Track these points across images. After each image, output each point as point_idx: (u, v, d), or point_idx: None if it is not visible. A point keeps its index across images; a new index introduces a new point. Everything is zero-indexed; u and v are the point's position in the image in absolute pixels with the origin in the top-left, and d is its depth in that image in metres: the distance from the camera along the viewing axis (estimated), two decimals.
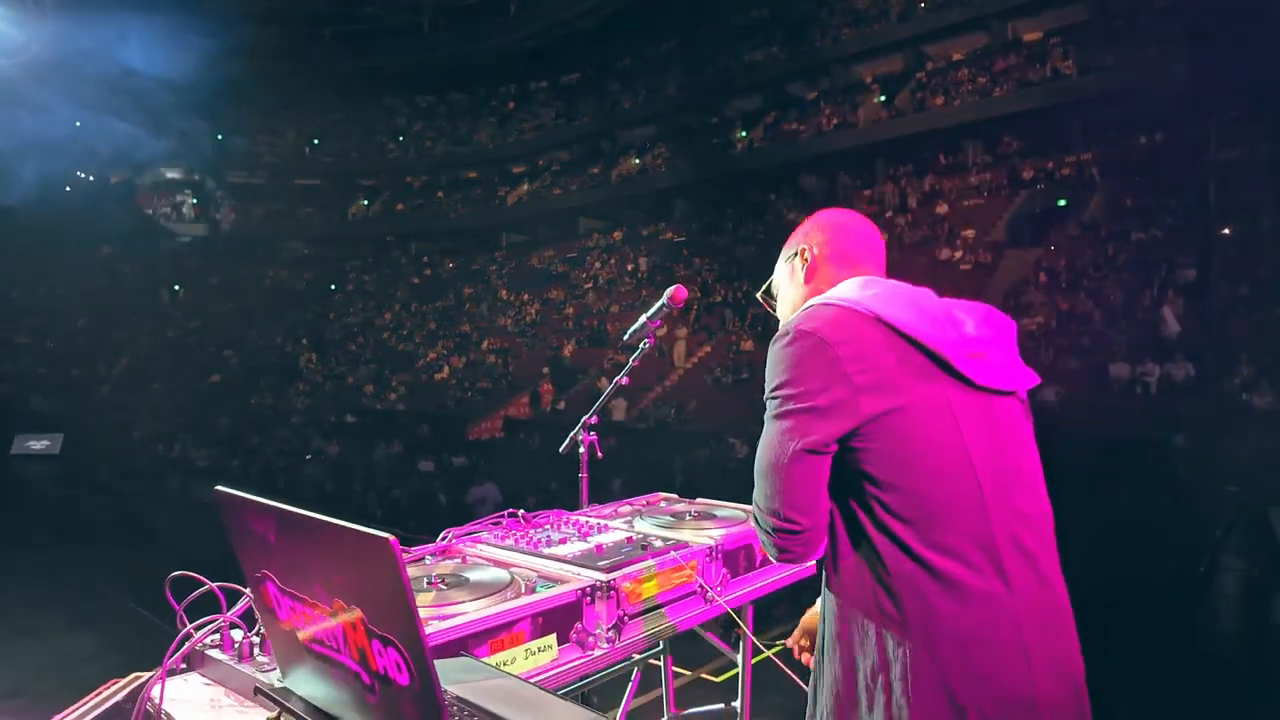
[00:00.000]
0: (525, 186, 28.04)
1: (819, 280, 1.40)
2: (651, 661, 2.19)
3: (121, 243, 26.94)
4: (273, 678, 1.23)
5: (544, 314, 22.40)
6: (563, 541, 1.78)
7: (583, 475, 2.19)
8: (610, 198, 25.20)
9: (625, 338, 2.09)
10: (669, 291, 1.98)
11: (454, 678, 0.96)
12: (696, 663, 2.89)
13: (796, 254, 1.45)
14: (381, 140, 30.85)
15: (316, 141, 30.83)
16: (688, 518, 2.04)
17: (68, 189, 25.33)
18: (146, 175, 27.54)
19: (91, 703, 3.54)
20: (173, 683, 1.37)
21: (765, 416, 1.19)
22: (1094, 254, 13.59)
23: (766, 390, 1.20)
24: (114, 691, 3.55)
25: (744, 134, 23.15)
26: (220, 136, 29.05)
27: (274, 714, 0.99)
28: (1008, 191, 16.83)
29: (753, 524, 1.23)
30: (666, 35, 26.23)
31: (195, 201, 29.17)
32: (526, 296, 23.88)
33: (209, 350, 24.56)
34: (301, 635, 0.80)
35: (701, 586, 1.72)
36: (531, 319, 22.45)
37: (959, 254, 15.53)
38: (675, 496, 2.37)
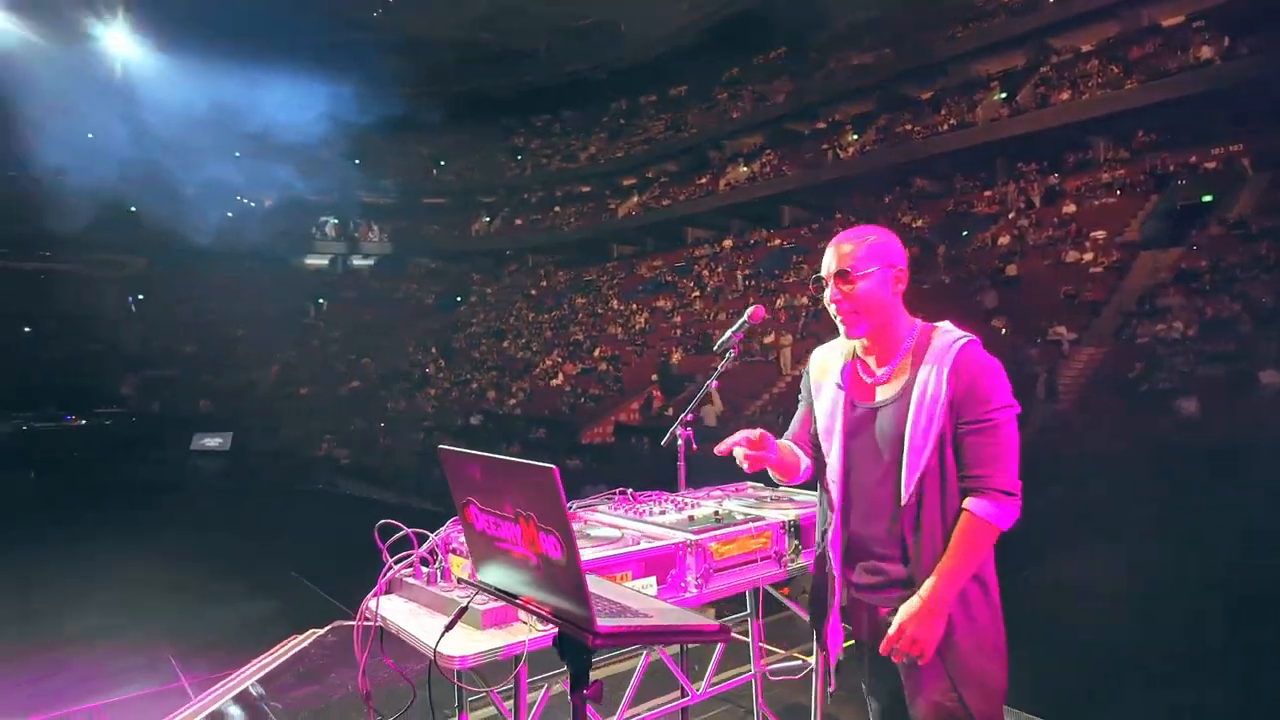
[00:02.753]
0: (635, 198, 28.90)
1: (898, 297, 1.71)
2: (738, 637, 2.54)
3: (274, 262, 30.01)
4: (454, 595, 1.73)
5: (653, 322, 23.01)
6: (662, 513, 2.20)
7: (680, 464, 2.60)
8: (718, 206, 25.61)
9: (715, 348, 2.49)
10: (748, 311, 2.36)
11: (592, 585, 1.41)
12: (790, 645, 3.22)
13: (894, 267, 1.69)
14: (501, 159, 32.66)
15: (442, 163, 33.03)
16: (769, 501, 2.42)
17: (229, 214, 28.55)
18: (295, 200, 30.43)
19: (286, 647, 4.34)
20: (392, 601, 1.90)
21: (996, 418, 1.58)
22: (1242, 254, 12.64)
23: (994, 400, 1.58)
24: (304, 639, 4.33)
25: (855, 137, 22.95)
26: (357, 161, 31.71)
27: (464, 602, 1.47)
28: (1143, 189, 15.84)
29: (990, 502, 1.56)
30: (773, 43, 26.39)
31: (336, 222, 31.91)
32: (636, 305, 24.59)
33: (349, 359, 26.84)
34: (493, 538, 1.25)
35: (777, 553, 2.10)
36: (641, 327, 23.11)
37: (1088, 256, 14.79)
38: (761, 485, 2.74)
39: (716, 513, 2.15)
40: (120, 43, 21.81)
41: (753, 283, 21.48)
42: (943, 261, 17.05)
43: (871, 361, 1.75)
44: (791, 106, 24.87)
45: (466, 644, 1.57)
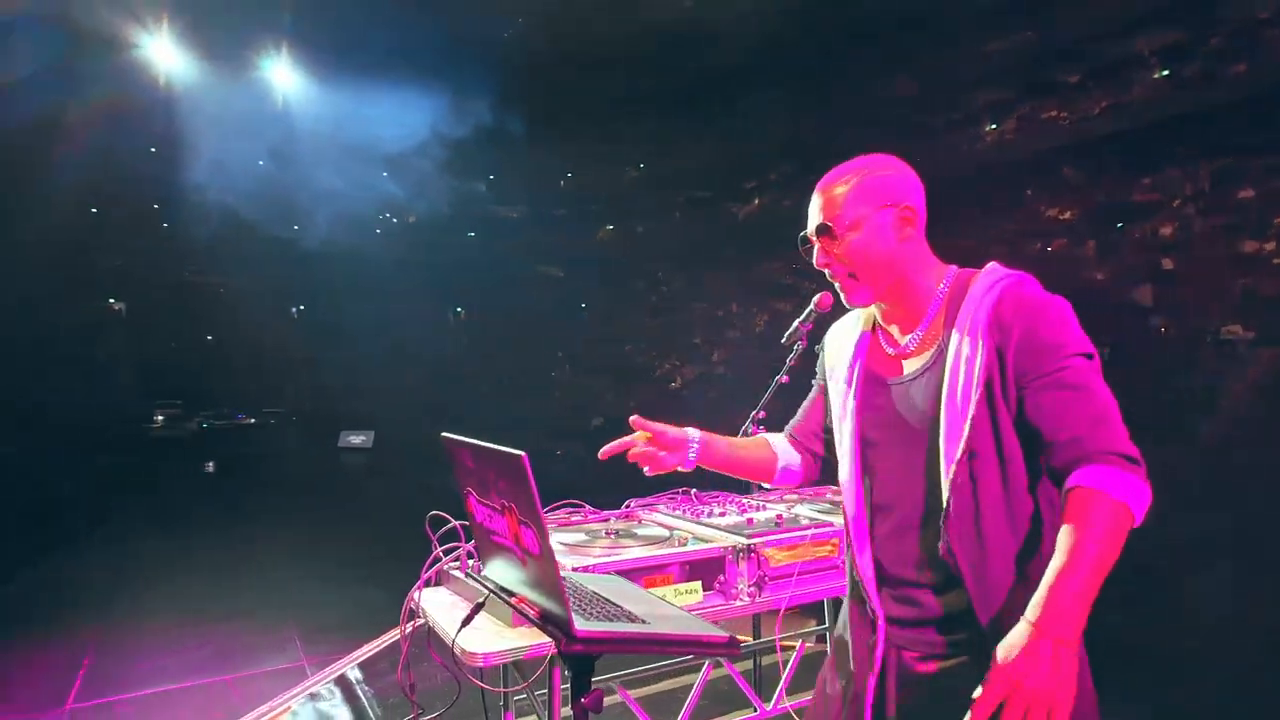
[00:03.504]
0: (756, 201, 28.44)
1: (910, 247, 1.35)
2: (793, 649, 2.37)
3: (418, 269, 32.06)
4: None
5: (772, 325, 22.53)
6: (723, 514, 2.08)
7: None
8: None
9: (784, 340, 2.33)
10: (815, 299, 2.18)
11: (598, 582, 1.32)
12: None
13: (895, 205, 1.34)
14: (622, 167, 33.18)
15: (570, 175, 34.01)
16: None
17: (377, 231, 30.95)
18: (436, 216, 32.42)
19: (387, 636, 4.58)
20: (429, 591, 1.90)
21: (1074, 365, 1.16)
22: None
23: (1066, 343, 1.18)
24: (405, 628, 4.47)
25: (993, 126, 21.42)
26: (492, 177, 33.36)
27: (482, 598, 1.42)
28: None
29: (1109, 469, 1.09)
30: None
31: (472, 234, 33.59)
32: (755, 308, 24.17)
33: (485, 362, 28.19)
34: (489, 531, 1.20)
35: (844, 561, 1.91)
36: (760, 330, 22.69)
37: (1271, 245, 12.97)
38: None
39: (780, 516, 2.00)
40: (283, 75, 24.05)
41: None
42: (1094, 256, 15.56)
43: (895, 330, 1.37)
44: (920, 97, 23.59)
45: (494, 641, 1.53)
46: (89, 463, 16.80)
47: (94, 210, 27.34)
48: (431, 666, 1.80)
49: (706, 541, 1.81)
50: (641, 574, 1.64)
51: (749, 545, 1.78)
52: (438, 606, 1.81)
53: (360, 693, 3.74)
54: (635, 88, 30.84)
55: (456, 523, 1.87)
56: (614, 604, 1.15)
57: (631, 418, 1.51)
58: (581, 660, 1.08)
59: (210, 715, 3.99)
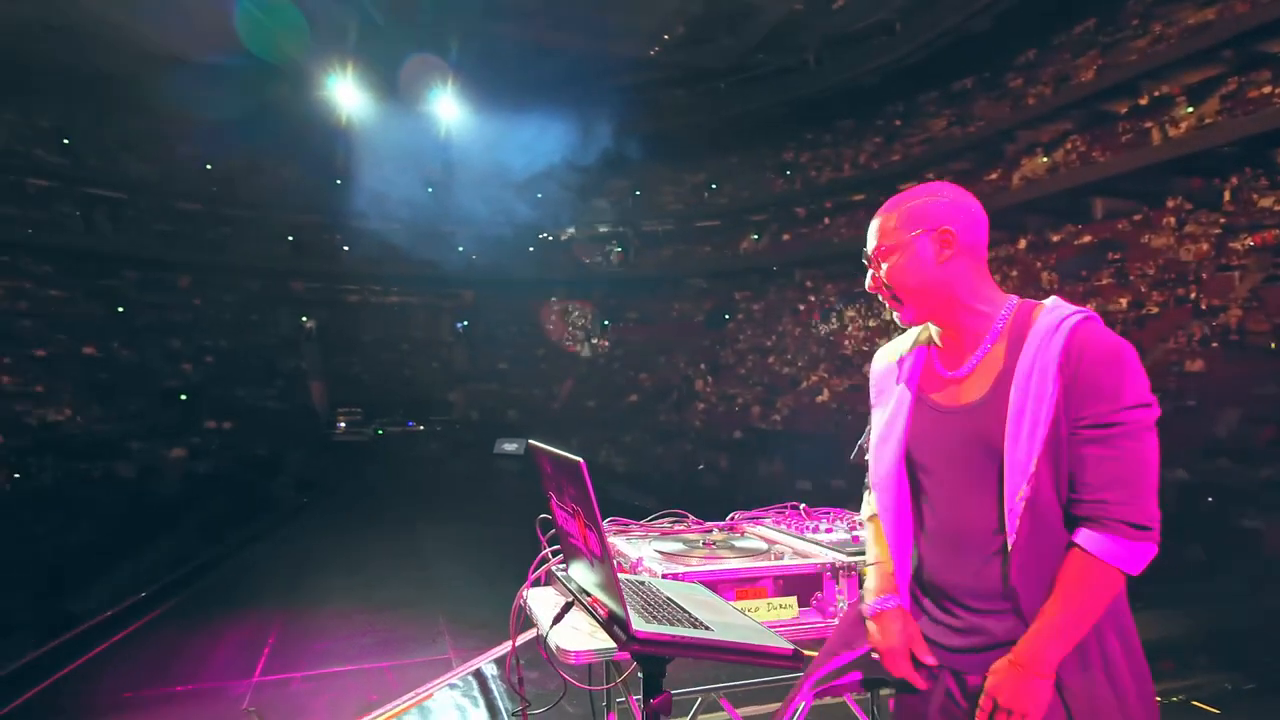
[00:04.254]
0: None
1: (953, 270, 1.33)
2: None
3: (568, 286, 33.51)
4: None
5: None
6: (829, 531, 2.01)
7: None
8: (1012, 203, 23.00)
9: None
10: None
11: (678, 589, 1.34)
12: None
13: (931, 230, 1.34)
14: (770, 176, 32.87)
15: (714, 186, 34.19)
16: None
17: (530, 249, 32.74)
18: (584, 231, 33.73)
19: (528, 635, 4.72)
20: (538, 590, 1.99)
21: (1126, 420, 1.16)
22: None
23: (1123, 395, 1.16)
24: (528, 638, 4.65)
25: (1189, 110, 19.11)
26: (638, 193, 34.25)
27: (570, 598, 1.48)
28: None
29: (1113, 539, 1.16)
30: (1078, 16, 23.13)
31: (620, 249, 34.59)
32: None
33: (628, 374, 28.85)
34: (568, 533, 1.25)
35: None
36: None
37: None
38: None
39: None
40: (448, 107, 26.13)
41: (1056, 285, 18.90)
42: None
43: (950, 355, 1.36)
44: (1104, 83, 21.52)
45: (587, 641, 1.58)
46: (287, 461, 18.96)
47: (290, 238, 31.09)
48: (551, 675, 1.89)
49: (805, 557, 1.77)
50: (734, 586, 1.63)
51: (849, 563, 1.72)
52: (542, 605, 1.89)
53: (493, 686, 3.98)
54: (781, 96, 30.50)
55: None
56: (684, 610, 1.16)
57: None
58: (652, 661, 1.11)
59: (368, 697, 4.39)
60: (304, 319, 29.39)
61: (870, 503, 1.52)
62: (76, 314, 23.43)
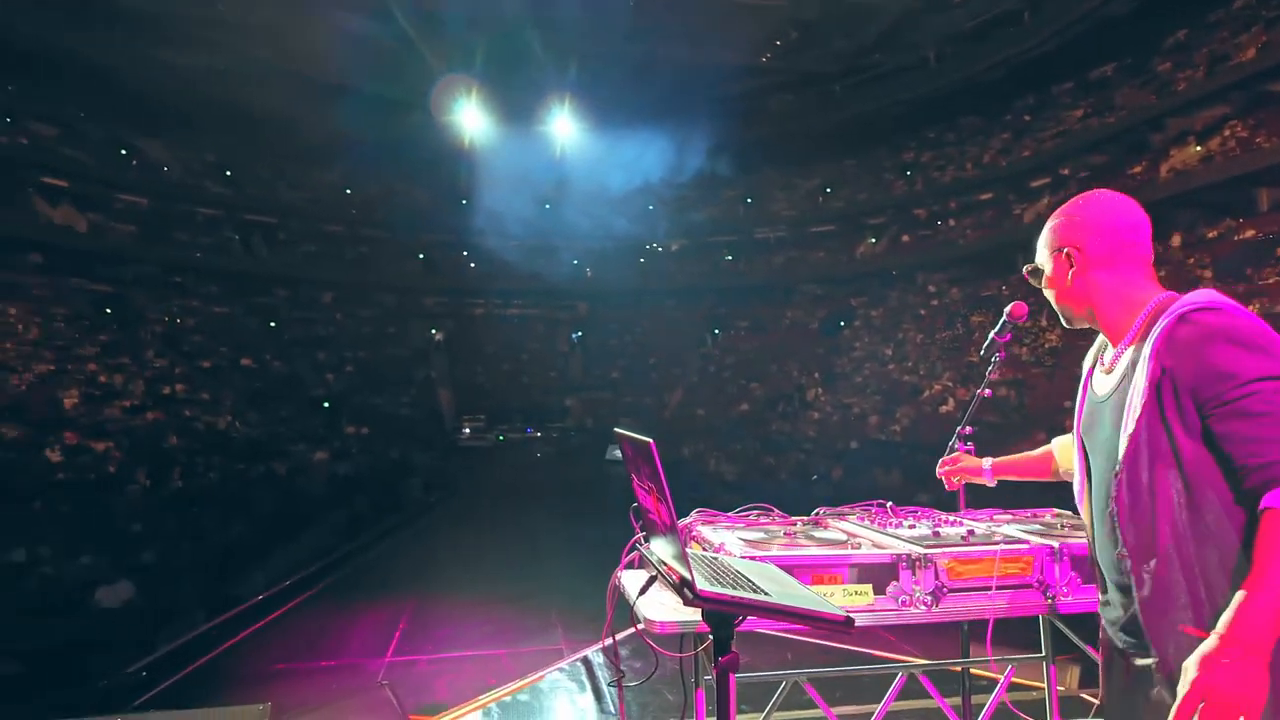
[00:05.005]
0: (1045, 200, 25.52)
1: (1087, 283, 1.46)
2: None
3: (678, 295, 33.78)
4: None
5: (1068, 340, 19.93)
6: (911, 528, 2.05)
7: (960, 483, 2.35)
8: (1160, 198, 21.16)
9: (982, 352, 2.23)
10: (1008, 309, 2.06)
11: (748, 566, 1.46)
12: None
13: (1061, 252, 1.49)
14: (889, 178, 31.85)
15: (829, 190, 33.50)
16: (1060, 527, 2.06)
17: (641, 260, 33.28)
18: (694, 239, 33.90)
19: (630, 629, 4.87)
20: (630, 572, 2.16)
21: (1257, 394, 1.15)
22: None
23: (1243, 369, 1.16)
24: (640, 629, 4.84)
25: None
26: (749, 200, 34.10)
27: (654, 572, 1.63)
28: None
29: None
30: None
31: (730, 258, 34.53)
32: (1046, 322, 21.59)
33: (739, 383, 28.72)
34: (647, 510, 1.40)
35: (1040, 582, 1.79)
36: (1052, 346, 20.22)
37: None
38: (1069, 514, 2.32)
39: (970, 532, 1.92)
40: (562, 125, 27.14)
41: (1215, 285, 17.22)
42: None
43: (1109, 353, 1.48)
44: (1269, 61, 19.45)
45: (672, 613, 1.72)
46: (417, 464, 20.26)
47: (421, 256, 33.22)
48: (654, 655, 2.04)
49: (883, 549, 1.83)
50: (809, 570, 1.72)
51: (924, 554, 1.76)
52: (635, 585, 2.04)
53: (599, 673, 4.19)
54: (899, 95, 29.55)
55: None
56: (748, 579, 1.28)
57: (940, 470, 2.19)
58: (719, 622, 1.24)
59: (486, 680, 4.71)
60: (433, 331, 31.26)
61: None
62: (236, 329, 26.06)
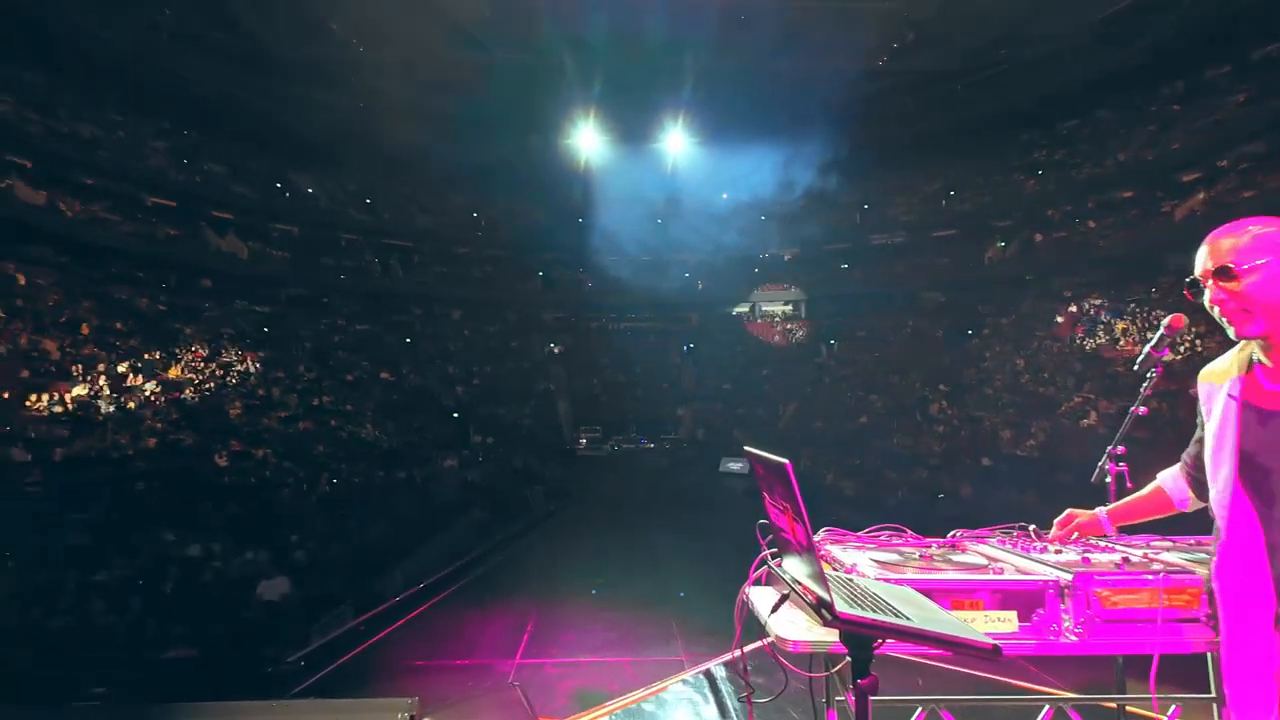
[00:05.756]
0: (1201, 195, 23.23)
1: None
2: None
3: (792, 305, 33.27)
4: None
5: (1227, 348, 18.03)
6: (1058, 553, 1.96)
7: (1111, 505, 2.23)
8: None
9: (1135, 367, 2.10)
10: (1165, 320, 1.94)
11: (885, 588, 1.46)
12: None
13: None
14: (1019, 177, 30.05)
15: (952, 193, 32.00)
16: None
17: (755, 270, 33.03)
18: (808, 250, 33.27)
19: (757, 643, 4.90)
20: (758, 589, 2.18)
21: None
22: None
23: None
24: (769, 638, 4.88)
25: None
26: (866, 206, 33.10)
27: (786, 590, 1.65)
28: None
29: None
30: None
31: (845, 266, 33.64)
32: (1204, 327, 19.61)
33: (858, 395, 27.82)
34: (780, 529, 1.43)
35: (1210, 616, 1.67)
36: (1210, 354, 18.33)
37: None
38: None
39: (1125, 559, 1.81)
40: (675, 141, 27.46)
41: None
42: None
43: (1275, 365, 1.50)
44: None
45: (804, 632, 1.74)
46: (538, 472, 20.99)
47: (540, 273, 34.47)
48: (782, 672, 2.07)
49: (1027, 574, 1.76)
50: (948, 595, 1.68)
51: (1073, 581, 1.68)
52: (763, 601, 2.07)
53: (722, 687, 4.20)
54: (1027, 92, 27.88)
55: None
56: (887, 602, 1.28)
57: (1055, 534, 2.12)
58: (857, 644, 1.25)
59: (608, 686, 4.83)
60: (551, 345, 32.34)
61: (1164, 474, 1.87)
62: (376, 344, 28.05)
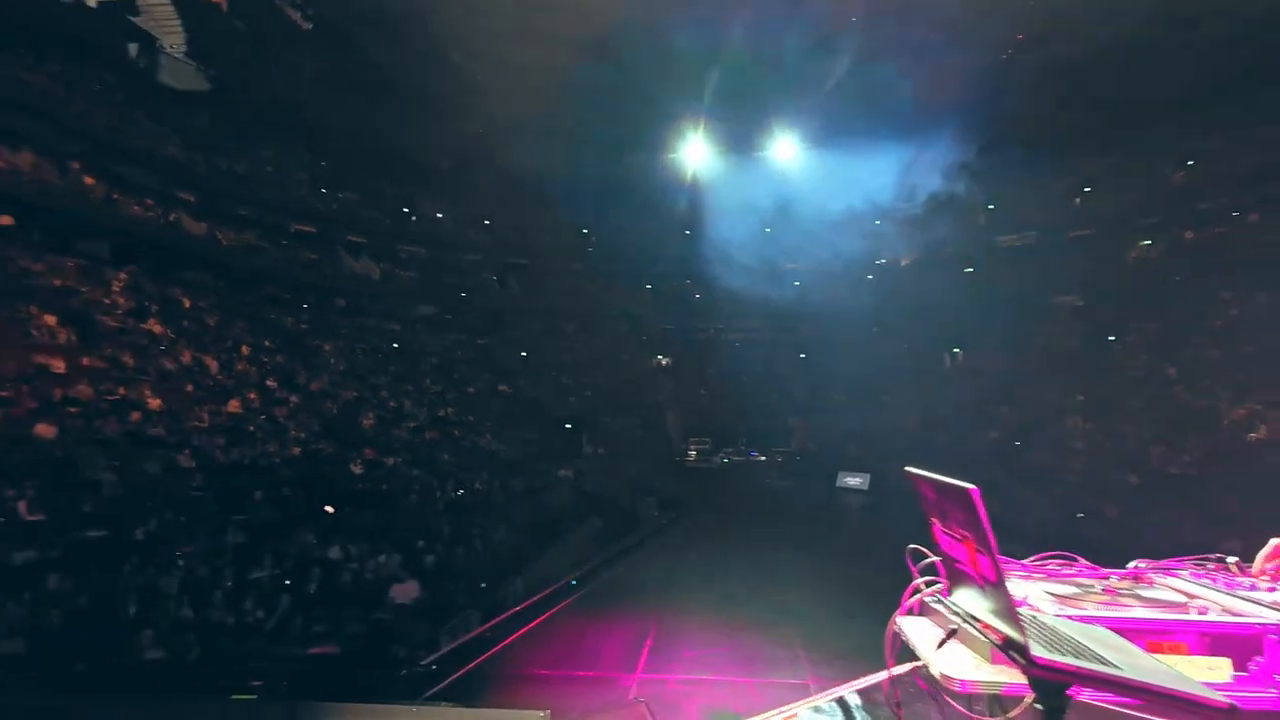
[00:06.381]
0: None
1: None
2: None
3: (909, 314, 31.91)
4: (970, 626, 1.76)
5: None
6: (1270, 590, 1.71)
7: None
8: None
9: None
10: None
11: (1076, 628, 1.30)
12: None
13: None
14: (1166, 170, 27.57)
15: (1088, 189, 29.80)
16: None
17: (870, 277, 31.91)
18: (928, 254, 31.81)
19: (890, 671, 4.66)
20: (911, 620, 2.04)
21: None
22: None
23: None
24: (905, 667, 4.63)
25: None
26: (991, 206, 31.32)
27: (955, 625, 1.52)
28: None
29: None
30: None
31: (970, 270, 31.94)
32: None
33: (984, 408, 26.23)
34: (953, 559, 1.31)
35: None
36: None
37: None
38: None
39: None
40: (785, 149, 27.03)
41: None
42: None
43: None
44: None
45: (973, 671, 1.60)
46: (649, 482, 21.06)
47: (649, 286, 34.74)
48: (927, 705, 1.93)
49: (1239, 616, 1.54)
50: (1143, 636, 1.50)
51: None
52: (919, 634, 1.93)
53: (857, 715, 3.98)
54: (1176, 76, 25.55)
55: (936, 559, 1.96)
56: (1087, 646, 1.14)
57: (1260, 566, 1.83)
58: (1052, 692, 1.12)
59: (733, 708, 4.72)
60: (660, 357, 32.51)
61: None
62: (495, 358, 29.21)
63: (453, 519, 14.90)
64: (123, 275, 18.91)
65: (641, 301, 34.34)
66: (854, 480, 21.34)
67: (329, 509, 12.67)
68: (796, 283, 32.06)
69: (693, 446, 27.27)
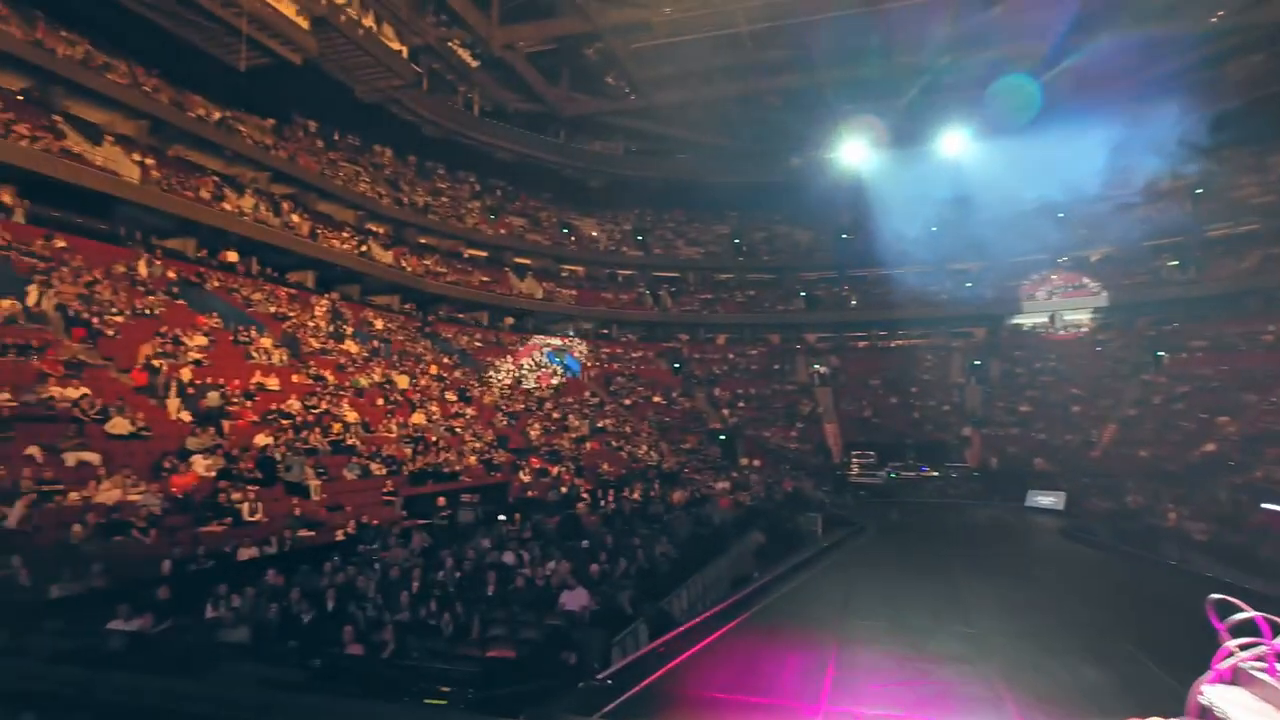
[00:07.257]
0: None
1: None
2: None
3: (1105, 313, 28.76)
4: None
5: None
6: None
7: None
8: None
9: None
10: None
11: None
12: None
13: None
14: None
15: None
16: None
17: (1054, 277, 29.09)
18: (1125, 248, 28.52)
19: None
20: (1220, 689, 1.67)
21: None
22: None
23: None
24: None
25: None
26: (1199, 190, 27.63)
27: None
28: None
29: None
30: None
31: (1176, 263, 28.41)
32: None
33: (1198, 418, 23.01)
34: None
35: None
36: None
37: None
38: None
39: None
40: (954, 142, 25.30)
41: None
42: None
43: None
44: None
45: None
46: (810, 498, 20.33)
47: (803, 294, 33.76)
48: None
49: None
50: None
51: None
52: (1238, 709, 1.57)
53: None
54: None
55: (1256, 614, 1.59)
56: None
57: None
58: None
59: None
60: (816, 366, 31.47)
61: None
62: (650, 370, 29.66)
63: (613, 528, 15.12)
64: (324, 301, 21.07)
65: (794, 310, 33.57)
66: (1046, 499, 19.34)
67: (502, 517, 13.26)
68: (968, 284, 29.92)
69: (855, 461, 26.04)
